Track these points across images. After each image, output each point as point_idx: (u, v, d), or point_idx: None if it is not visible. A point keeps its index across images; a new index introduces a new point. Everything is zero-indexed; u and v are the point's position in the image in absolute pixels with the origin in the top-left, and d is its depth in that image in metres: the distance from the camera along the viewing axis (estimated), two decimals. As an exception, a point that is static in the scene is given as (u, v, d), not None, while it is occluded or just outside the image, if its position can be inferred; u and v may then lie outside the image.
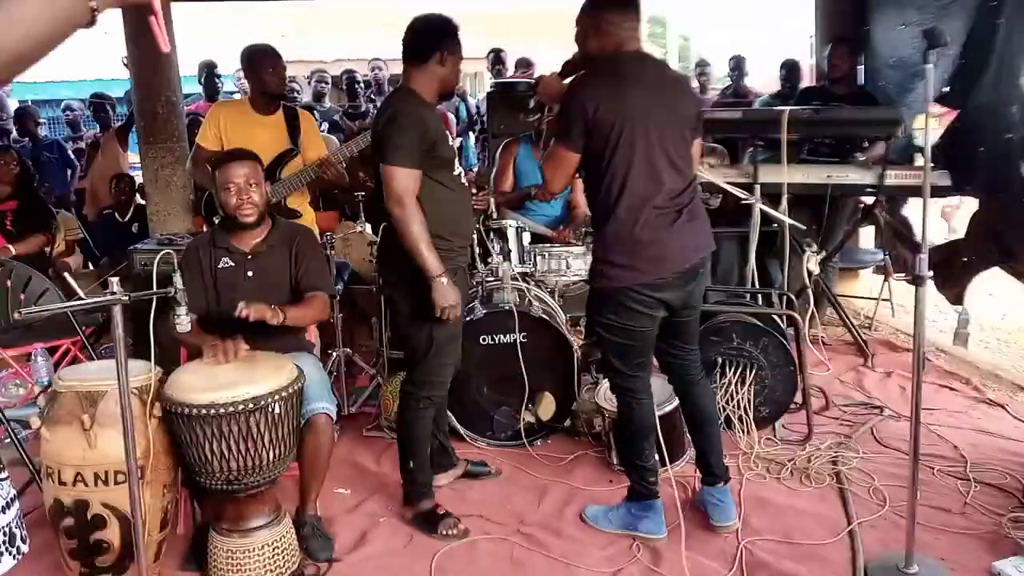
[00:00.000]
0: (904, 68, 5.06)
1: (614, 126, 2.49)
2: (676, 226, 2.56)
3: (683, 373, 2.88)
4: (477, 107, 7.09)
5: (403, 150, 2.64)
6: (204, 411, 2.36)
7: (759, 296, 4.14)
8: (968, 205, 4.75)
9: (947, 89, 4.50)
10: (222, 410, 2.36)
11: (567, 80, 2.77)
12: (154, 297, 2.40)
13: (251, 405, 2.39)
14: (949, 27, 4.46)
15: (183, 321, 2.44)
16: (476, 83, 11.00)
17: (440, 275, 2.66)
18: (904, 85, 5.01)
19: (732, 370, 3.50)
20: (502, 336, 3.49)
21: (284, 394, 2.46)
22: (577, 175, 2.81)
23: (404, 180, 2.64)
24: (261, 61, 3.69)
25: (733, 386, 3.50)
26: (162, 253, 2.52)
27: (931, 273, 4.52)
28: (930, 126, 3.74)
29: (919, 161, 4.51)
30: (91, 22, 0.96)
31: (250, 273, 2.85)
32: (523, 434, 3.53)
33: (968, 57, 4.33)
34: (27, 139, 6.93)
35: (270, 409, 2.42)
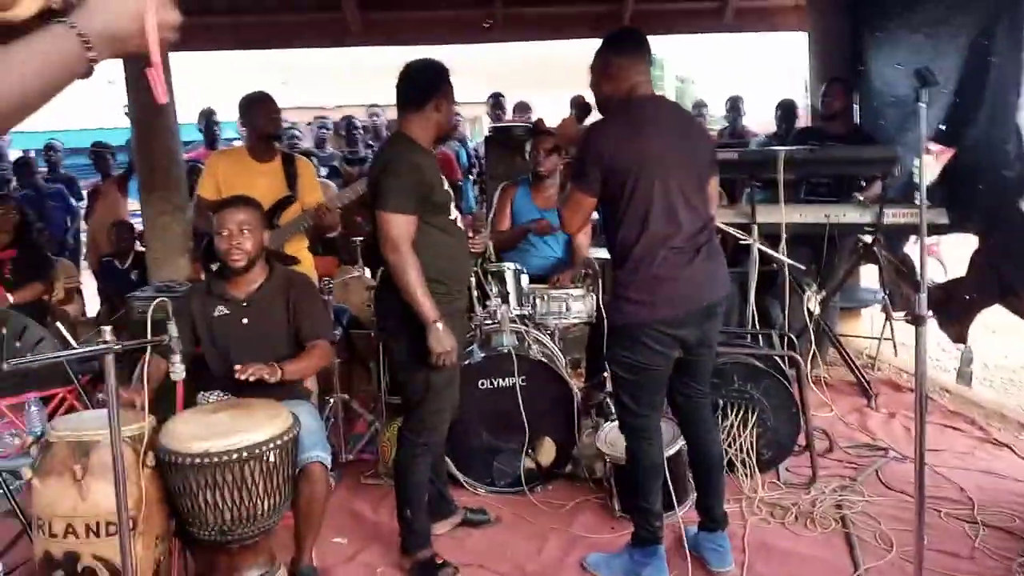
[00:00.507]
0: (901, 107, 5.10)
1: (630, 172, 2.55)
2: (694, 265, 2.60)
3: (694, 415, 2.86)
4: (476, 151, 7.15)
5: (399, 196, 2.64)
6: (198, 460, 2.33)
7: (760, 337, 4.11)
8: (952, 241, 4.74)
9: (944, 127, 4.53)
10: (216, 459, 2.33)
11: (584, 124, 2.84)
12: (148, 345, 2.40)
13: (245, 454, 2.36)
14: (943, 66, 4.51)
15: (178, 369, 2.43)
16: (475, 128, 11.11)
17: (436, 321, 2.64)
18: (902, 124, 5.05)
19: (734, 413, 3.46)
20: (501, 380, 3.46)
21: (279, 442, 2.43)
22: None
23: (400, 226, 2.64)
24: (255, 105, 3.77)
25: (735, 429, 3.45)
26: (157, 301, 2.51)
27: (932, 312, 4.53)
28: (927, 164, 3.77)
29: (918, 199, 4.53)
30: (88, 72, 0.96)
31: (245, 321, 2.84)
32: (523, 480, 3.47)
33: (963, 96, 4.38)
34: (28, 189, 6.95)
35: (265, 458, 2.39)
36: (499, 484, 3.50)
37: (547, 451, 3.50)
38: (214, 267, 3.56)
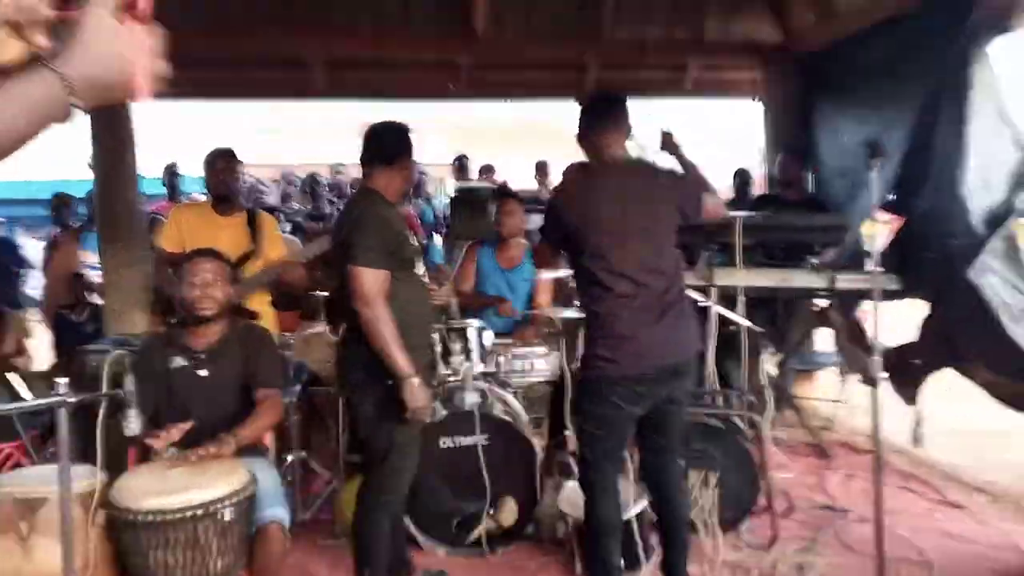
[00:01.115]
0: (849, 177, 5.29)
1: (588, 233, 2.64)
2: (661, 324, 2.63)
3: (662, 473, 2.86)
4: (444, 211, 7.22)
5: (371, 251, 2.66)
6: (150, 517, 2.26)
7: (718, 397, 4.15)
8: (891, 306, 4.85)
9: (893, 197, 4.70)
10: (169, 516, 2.27)
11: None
12: (103, 399, 2.34)
13: (200, 511, 2.30)
14: (891, 138, 4.71)
15: (133, 424, 2.37)
16: (440, 187, 11.21)
17: (411, 376, 2.64)
18: (851, 193, 5.23)
19: (695, 473, 3.47)
20: (463, 438, 3.43)
21: (235, 500, 2.37)
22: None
23: (372, 280, 2.65)
24: (214, 161, 3.78)
25: (697, 489, 3.46)
26: (113, 355, 2.47)
27: (886, 374, 4.63)
28: (877, 232, 3.89)
29: (869, 265, 4.66)
30: (68, 118, 0.95)
31: (204, 372, 2.80)
32: (484, 541, 3.42)
33: (910, 167, 4.55)
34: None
35: (219, 516, 2.34)
36: (458, 544, 3.44)
37: (509, 511, 3.46)
38: (172, 320, 3.52)
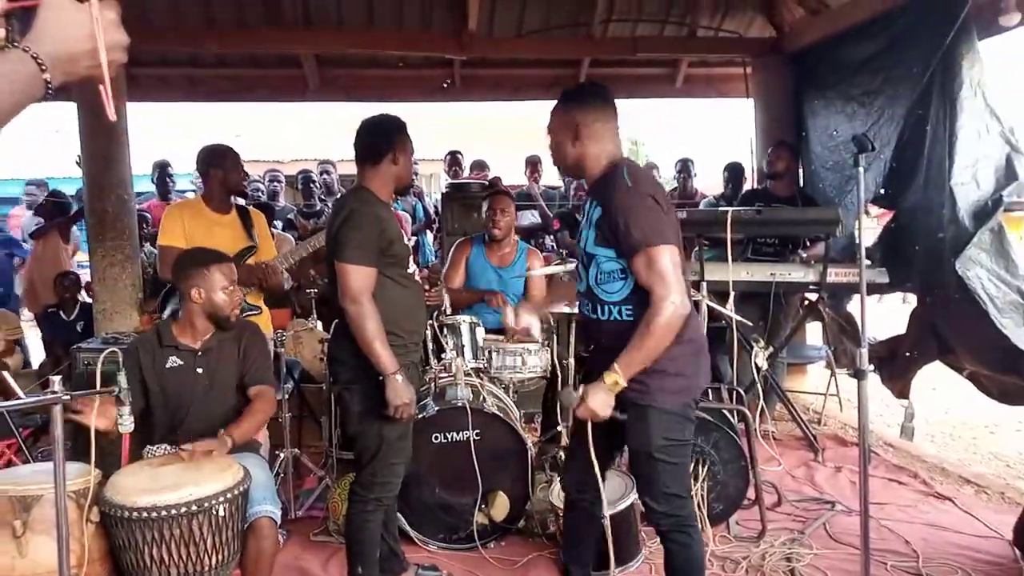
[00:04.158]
0: (840, 171, 5.33)
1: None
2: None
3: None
4: (435, 206, 7.23)
5: (359, 248, 2.67)
6: (144, 514, 2.28)
7: (709, 391, 4.17)
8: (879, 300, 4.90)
9: (884, 190, 4.74)
10: (163, 513, 2.29)
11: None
12: (97, 397, 2.36)
13: (194, 507, 2.32)
14: (880, 133, 4.75)
15: (126, 421, 2.39)
16: (433, 183, 11.22)
17: (395, 372, 2.65)
18: (841, 187, 5.27)
19: (685, 466, 3.49)
20: (454, 434, 3.45)
21: (229, 496, 2.39)
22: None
23: (360, 278, 2.66)
24: (226, 160, 3.74)
25: (687, 482, 3.48)
26: (106, 352, 2.48)
27: (874, 368, 4.67)
28: (866, 226, 3.93)
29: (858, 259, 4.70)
30: (45, 94, 1.01)
31: (200, 370, 2.81)
32: (476, 536, 3.45)
33: (900, 161, 4.59)
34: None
35: (214, 512, 2.35)
36: (451, 539, 3.46)
37: (500, 506, 3.48)
38: (165, 316, 3.53)
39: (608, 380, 2.27)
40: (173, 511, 2.29)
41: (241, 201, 4.49)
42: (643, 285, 2.30)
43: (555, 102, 2.53)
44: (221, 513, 2.37)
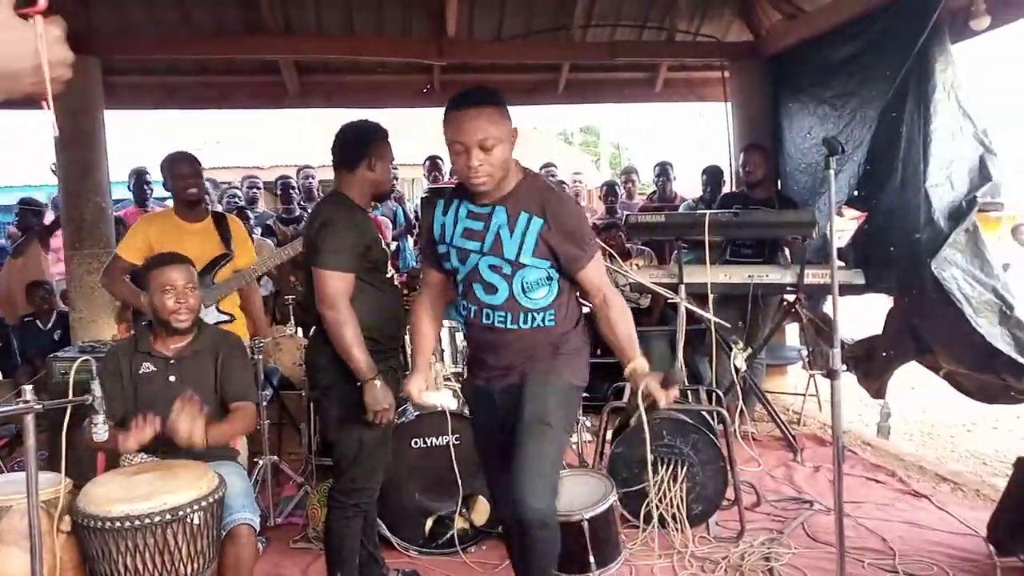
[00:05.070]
0: (812, 173, 5.38)
1: None
2: None
3: None
4: (416, 211, 7.22)
5: (336, 253, 2.66)
6: (118, 524, 2.26)
7: (688, 393, 4.20)
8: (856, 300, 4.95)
9: (859, 192, 4.78)
10: (137, 522, 2.27)
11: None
12: (69, 406, 2.34)
13: (169, 516, 2.30)
14: (853, 136, 4.80)
15: (100, 429, 2.37)
16: (413, 188, 11.21)
17: (373, 378, 2.65)
18: (815, 189, 5.32)
19: (664, 467, 3.52)
20: (434, 439, 3.45)
21: (204, 503, 2.37)
22: None
23: (337, 283, 2.65)
24: (177, 167, 3.70)
25: (665, 484, 3.50)
26: (80, 360, 2.46)
27: (851, 368, 4.71)
28: (838, 228, 3.96)
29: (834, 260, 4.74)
30: None
31: (172, 378, 2.79)
32: (456, 540, 3.44)
33: (875, 163, 4.63)
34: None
35: (189, 520, 2.34)
36: (431, 545, 3.46)
37: (481, 510, 3.48)
38: (142, 323, 3.50)
39: (644, 364, 2.35)
40: (147, 520, 2.28)
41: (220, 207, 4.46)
42: (592, 287, 2.38)
43: (474, 109, 2.23)
44: (196, 521, 2.36)
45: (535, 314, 2.38)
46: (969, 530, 3.47)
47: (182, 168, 3.70)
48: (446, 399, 2.60)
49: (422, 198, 6.48)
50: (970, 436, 5.63)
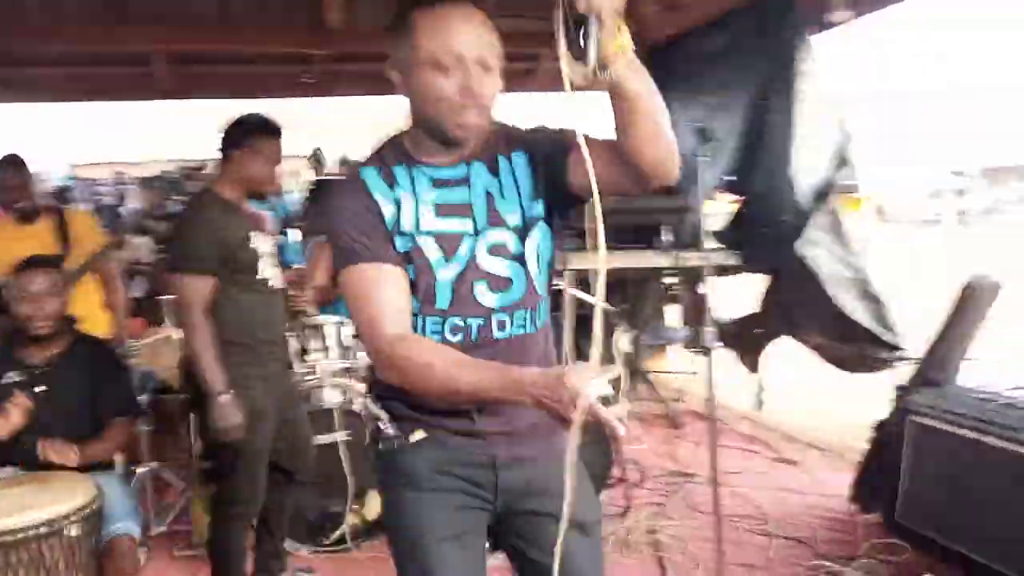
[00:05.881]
0: (688, 162, 5.57)
1: None
2: None
3: None
4: (303, 204, 7.08)
5: (189, 257, 2.55)
6: (-11, 540, 2.15)
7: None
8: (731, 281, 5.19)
9: (733, 178, 5.01)
10: (9, 537, 2.18)
11: None
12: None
13: (43, 529, 2.22)
14: (725, 124, 5.00)
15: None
16: (296, 181, 10.97)
17: (221, 393, 2.54)
18: (690, 177, 5.52)
19: (552, 450, 3.60)
20: (323, 436, 3.41)
21: (81, 515, 2.30)
22: None
23: (191, 289, 2.54)
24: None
25: (554, 466, 3.58)
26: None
27: (727, 345, 4.92)
28: (716, 211, 4.14)
29: (709, 244, 4.94)
30: None
31: (40, 388, 2.66)
32: (348, 537, 3.42)
33: (745, 150, 4.86)
34: None
35: (65, 532, 2.25)
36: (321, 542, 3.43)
37: (373, 504, 3.48)
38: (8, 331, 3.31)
39: None
40: (20, 535, 2.19)
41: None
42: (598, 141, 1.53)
43: (468, 8, 1.59)
44: (73, 533, 2.28)
45: (543, 304, 1.66)
46: (835, 492, 3.73)
47: (4, 177, 3.49)
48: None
49: (308, 191, 6.35)
50: (836, 405, 5.99)
